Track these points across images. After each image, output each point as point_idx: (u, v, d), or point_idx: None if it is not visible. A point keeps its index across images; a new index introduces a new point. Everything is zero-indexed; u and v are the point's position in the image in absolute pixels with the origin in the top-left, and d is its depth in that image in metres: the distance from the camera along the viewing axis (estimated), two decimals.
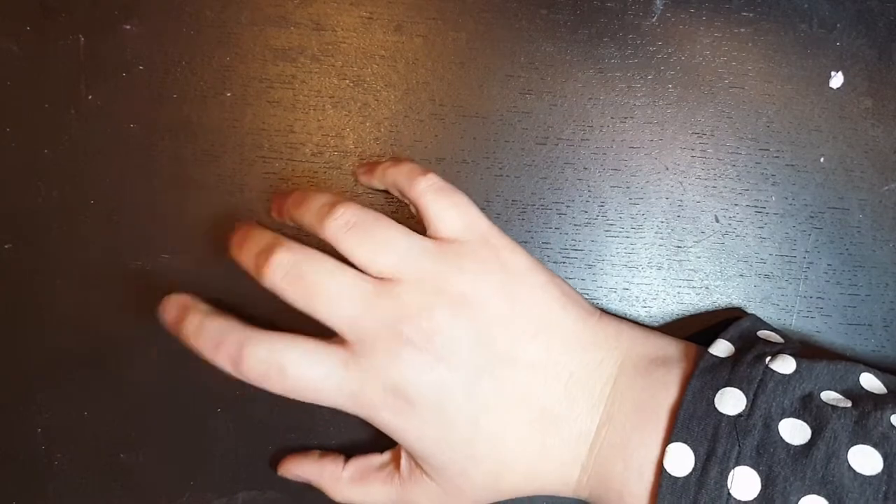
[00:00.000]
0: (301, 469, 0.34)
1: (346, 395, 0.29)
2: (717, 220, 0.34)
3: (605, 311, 0.32)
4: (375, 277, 0.29)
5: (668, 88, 0.34)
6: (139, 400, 0.35)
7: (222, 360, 0.29)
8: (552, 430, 0.29)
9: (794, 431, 0.26)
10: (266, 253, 0.29)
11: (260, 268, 0.29)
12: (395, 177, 0.31)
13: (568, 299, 0.30)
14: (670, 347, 0.30)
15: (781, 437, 0.26)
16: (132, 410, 0.35)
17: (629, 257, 0.34)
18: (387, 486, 0.32)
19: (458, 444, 0.29)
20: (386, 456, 0.33)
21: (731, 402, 0.27)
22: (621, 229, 0.34)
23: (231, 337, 0.29)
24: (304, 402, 0.34)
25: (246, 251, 0.30)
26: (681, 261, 0.34)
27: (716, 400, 0.27)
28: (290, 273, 0.29)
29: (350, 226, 0.29)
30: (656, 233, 0.34)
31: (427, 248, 0.29)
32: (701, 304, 0.34)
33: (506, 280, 0.30)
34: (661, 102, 0.34)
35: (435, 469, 0.30)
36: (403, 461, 0.31)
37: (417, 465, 0.31)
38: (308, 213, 0.30)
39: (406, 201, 0.32)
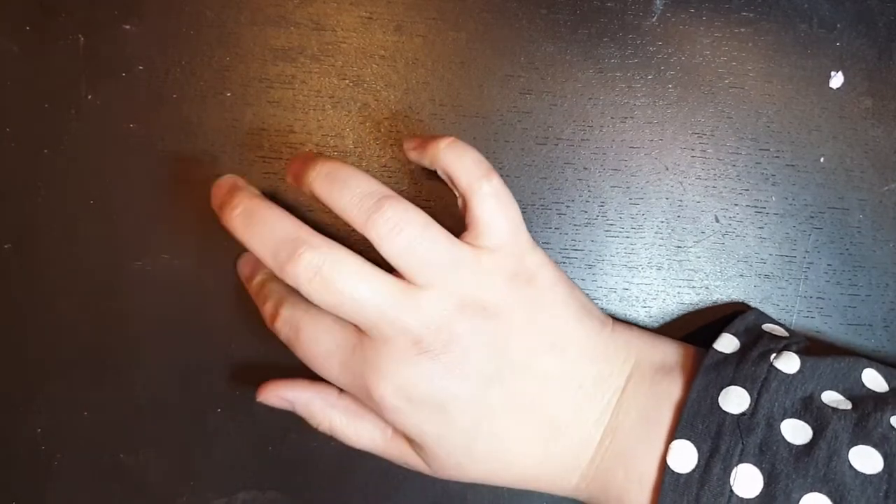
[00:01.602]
0: (292, 392, 0.31)
1: (348, 376, 0.29)
2: (717, 220, 0.34)
3: (616, 320, 0.32)
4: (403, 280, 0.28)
5: (668, 88, 0.34)
6: (139, 400, 0.35)
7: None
8: (555, 438, 0.29)
9: (795, 431, 0.26)
10: (291, 248, 0.27)
11: (282, 265, 0.27)
12: (454, 167, 0.29)
13: (585, 312, 0.30)
14: (677, 355, 0.30)
15: (783, 437, 0.26)
16: (132, 410, 0.35)
17: (629, 257, 0.34)
18: (377, 432, 0.31)
19: (457, 442, 0.29)
20: None
21: (735, 400, 0.27)
22: (621, 229, 0.34)
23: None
24: None
25: (264, 236, 0.28)
26: (681, 261, 0.34)
27: (720, 398, 0.27)
28: (315, 277, 0.27)
29: (397, 231, 0.27)
30: (656, 233, 0.34)
31: (466, 261, 0.28)
32: (701, 304, 0.34)
33: (531, 295, 0.29)
34: (661, 102, 0.34)
35: (430, 457, 0.30)
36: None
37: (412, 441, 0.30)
38: (346, 198, 0.28)
39: (454, 190, 0.30)
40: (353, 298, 0.27)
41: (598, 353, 0.30)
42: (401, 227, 0.27)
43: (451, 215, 0.34)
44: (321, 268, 0.27)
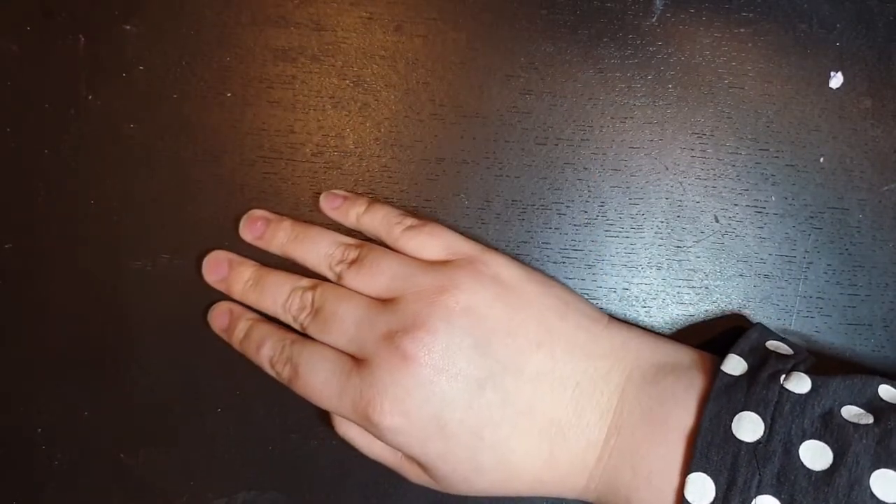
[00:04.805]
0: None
1: (347, 404, 0.30)
2: (717, 220, 0.34)
3: (613, 318, 0.32)
4: (379, 300, 0.31)
5: (668, 88, 0.34)
6: (139, 400, 0.35)
7: (262, 361, 0.33)
8: (560, 440, 0.29)
9: (815, 456, 0.26)
10: (295, 292, 0.32)
11: (288, 308, 0.32)
12: (370, 225, 0.33)
13: (567, 308, 0.30)
14: (679, 354, 0.30)
15: (802, 463, 0.26)
16: (132, 410, 0.35)
17: (629, 257, 0.34)
18: (388, 451, 0.32)
19: (461, 456, 0.29)
20: None
21: (748, 427, 0.26)
22: (621, 229, 0.34)
23: (270, 340, 0.32)
24: (303, 402, 0.34)
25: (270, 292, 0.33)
26: (681, 261, 0.34)
27: (733, 426, 0.27)
28: (310, 311, 0.31)
29: (349, 262, 0.32)
30: (656, 233, 0.34)
31: (421, 267, 0.31)
32: (701, 304, 0.34)
33: (500, 292, 0.30)
34: (661, 102, 0.34)
35: (438, 476, 0.30)
36: None
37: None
38: (313, 254, 0.33)
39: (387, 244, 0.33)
40: (337, 317, 0.31)
41: (590, 350, 0.30)
42: (352, 258, 0.32)
43: (451, 214, 0.34)
44: (315, 300, 0.32)
